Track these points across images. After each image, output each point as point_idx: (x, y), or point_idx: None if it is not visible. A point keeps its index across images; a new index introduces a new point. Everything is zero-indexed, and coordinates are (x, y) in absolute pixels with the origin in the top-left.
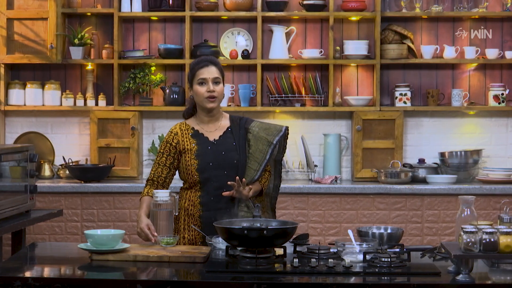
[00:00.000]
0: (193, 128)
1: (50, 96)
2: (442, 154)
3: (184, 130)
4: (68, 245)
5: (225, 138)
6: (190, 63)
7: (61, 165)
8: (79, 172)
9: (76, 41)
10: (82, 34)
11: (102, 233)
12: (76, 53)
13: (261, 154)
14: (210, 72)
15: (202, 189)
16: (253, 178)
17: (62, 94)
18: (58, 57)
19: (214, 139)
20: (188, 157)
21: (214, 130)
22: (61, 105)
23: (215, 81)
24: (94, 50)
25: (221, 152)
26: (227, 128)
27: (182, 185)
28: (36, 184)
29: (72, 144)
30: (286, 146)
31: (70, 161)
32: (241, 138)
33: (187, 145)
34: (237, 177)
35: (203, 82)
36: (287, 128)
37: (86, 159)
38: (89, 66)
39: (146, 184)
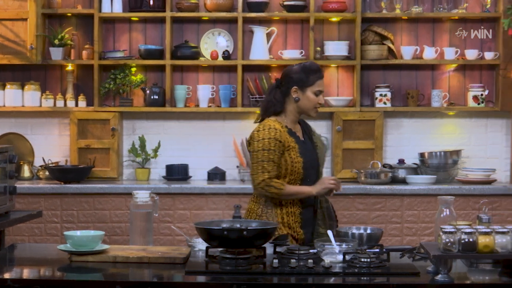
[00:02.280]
0: (286, 126)
1: (30, 97)
2: (421, 155)
3: (281, 127)
4: (48, 246)
5: (305, 138)
6: (302, 66)
7: (40, 166)
8: (59, 173)
9: (56, 41)
10: (62, 34)
11: (81, 234)
12: (56, 53)
13: (323, 153)
14: (323, 84)
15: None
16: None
17: (42, 95)
18: (38, 57)
19: (302, 139)
20: (294, 154)
21: (299, 130)
22: (41, 106)
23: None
24: (74, 51)
25: (310, 151)
26: (302, 130)
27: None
28: (15, 185)
29: (52, 145)
30: None
31: (49, 162)
32: (312, 140)
33: (290, 142)
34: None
35: (318, 93)
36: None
37: (66, 160)
38: (69, 67)
39: (271, 180)
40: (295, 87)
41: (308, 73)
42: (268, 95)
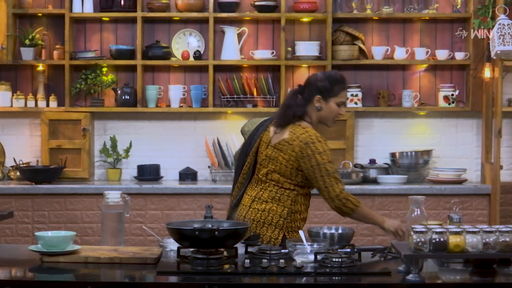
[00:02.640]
0: None
1: (0, 97)
2: (392, 155)
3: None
4: (19, 247)
5: None
6: (327, 75)
7: (11, 166)
8: (30, 173)
9: (27, 41)
10: (33, 34)
11: (53, 235)
12: (27, 54)
13: None
14: (346, 96)
15: None
16: None
17: (12, 95)
18: (8, 57)
19: None
20: None
21: None
22: (11, 106)
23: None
24: (45, 51)
25: None
26: None
27: (283, 187)
28: None
29: (23, 145)
30: None
31: (20, 162)
32: None
33: None
34: None
35: (341, 104)
36: None
37: (37, 161)
38: (40, 67)
39: (348, 194)
40: (318, 96)
41: (334, 83)
42: (287, 99)
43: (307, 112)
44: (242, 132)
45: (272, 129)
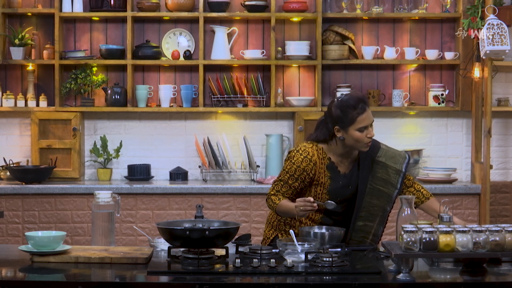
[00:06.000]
0: (329, 159)
1: None
2: None
3: (321, 159)
4: (9, 247)
5: (353, 170)
6: (340, 102)
7: (1, 166)
8: (20, 173)
9: (17, 41)
10: (23, 34)
11: (43, 235)
12: (16, 53)
13: (392, 186)
14: (369, 117)
15: (325, 213)
16: (386, 212)
17: (2, 95)
18: None
19: (345, 173)
20: (320, 190)
21: (347, 162)
22: (1, 105)
23: (372, 124)
24: (35, 51)
25: (349, 186)
26: (356, 159)
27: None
28: None
29: (12, 145)
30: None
31: (10, 162)
32: (367, 169)
33: (322, 178)
34: None
35: (363, 129)
36: (409, 156)
37: (27, 161)
38: (30, 67)
39: (273, 196)
40: (336, 127)
41: (346, 111)
42: (317, 127)
43: (333, 139)
44: None
45: None
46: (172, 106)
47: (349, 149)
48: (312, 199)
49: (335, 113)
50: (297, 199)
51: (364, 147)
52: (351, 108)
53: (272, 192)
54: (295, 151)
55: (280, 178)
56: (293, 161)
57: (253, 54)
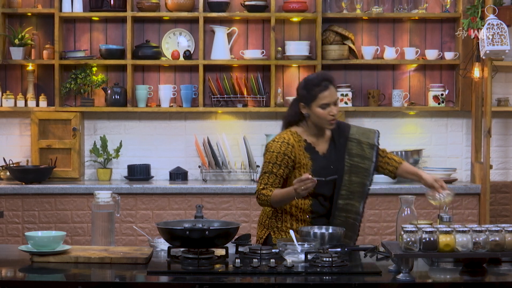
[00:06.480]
0: (305, 140)
1: None
2: None
3: (297, 142)
4: (9, 247)
5: (330, 150)
6: (305, 80)
7: (1, 166)
8: (20, 173)
9: (17, 41)
10: (23, 34)
11: (43, 235)
12: (16, 53)
13: (368, 160)
14: (332, 94)
15: (313, 199)
16: (366, 187)
17: (2, 95)
18: None
19: (323, 153)
20: (303, 172)
21: (323, 142)
22: (1, 105)
23: (336, 103)
24: (35, 51)
25: (330, 166)
26: (331, 139)
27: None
28: None
29: (12, 145)
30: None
31: (10, 162)
32: (342, 148)
33: (303, 159)
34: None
35: (325, 106)
36: (378, 132)
37: (27, 161)
38: (30, 67)
39: (263, 190)
40: (301, 103)
41: (309, 88)
42: (289, 107)
43: (304, 118)
44: None
45: None
46: (172, 106)
47: (316, 127)
48: (309, 175)
49: (301, 91)
50: (294, 181)
51: (327, 124)
52: (315, 85)
53: (261, 187)
54: (271, 142)
55: (264, 171)
56: (271, 150)
57: (253, 54)
